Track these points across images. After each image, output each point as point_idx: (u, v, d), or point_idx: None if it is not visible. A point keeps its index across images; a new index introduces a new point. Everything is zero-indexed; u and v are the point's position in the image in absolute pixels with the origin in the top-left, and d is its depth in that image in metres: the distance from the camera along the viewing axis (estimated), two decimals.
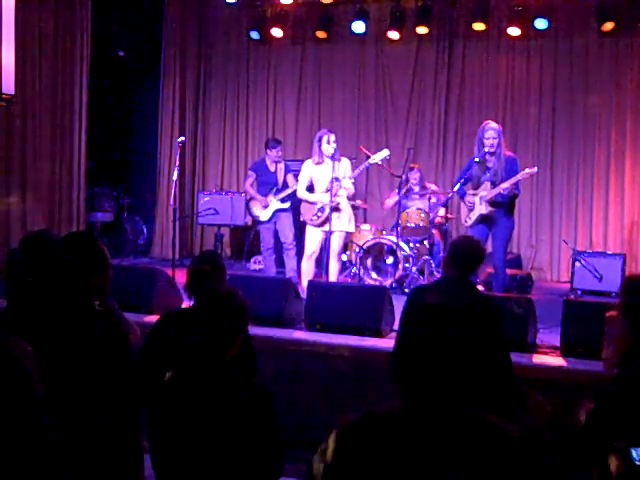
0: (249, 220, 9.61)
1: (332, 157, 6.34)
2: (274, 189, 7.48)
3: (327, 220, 6.41)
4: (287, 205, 7.47)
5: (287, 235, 7.44)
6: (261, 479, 2.35)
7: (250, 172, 7.89)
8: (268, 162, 7.64)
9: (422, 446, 1.60)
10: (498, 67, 9.17)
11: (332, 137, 6.49)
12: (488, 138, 6.08)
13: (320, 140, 6.52)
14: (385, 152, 6.66)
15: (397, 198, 7.69)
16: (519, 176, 6.07)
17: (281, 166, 7.62)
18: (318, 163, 6.56)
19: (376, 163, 6.65)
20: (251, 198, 7.80)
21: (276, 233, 7.58)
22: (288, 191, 7.38)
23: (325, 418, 4.52)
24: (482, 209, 6.15)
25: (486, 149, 6.10)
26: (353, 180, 6.47)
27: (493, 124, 6.18)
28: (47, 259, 2.51)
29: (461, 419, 1.63)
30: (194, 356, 2.37)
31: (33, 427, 1.78)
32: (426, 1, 8.98)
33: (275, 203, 7.47)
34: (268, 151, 7.65)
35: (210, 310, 2.42)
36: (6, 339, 1.86)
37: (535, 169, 6.16)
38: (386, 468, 1.59)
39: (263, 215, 7.54)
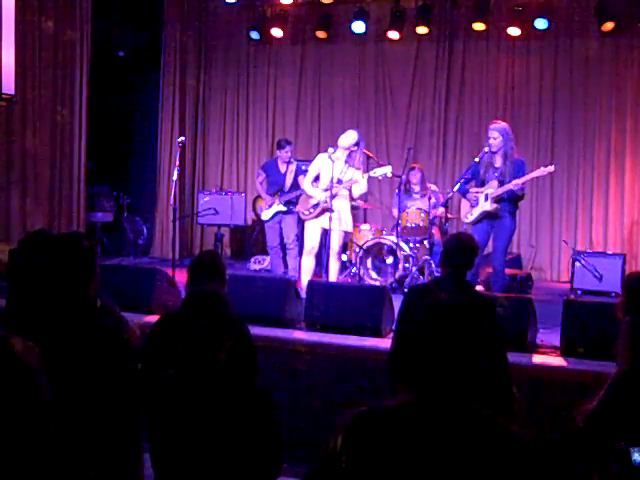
0: (252, 218, 9.63)
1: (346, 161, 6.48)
2: (280, 191, 7.52)
3: (320, 216, 6.51)
4: (288, 209, 7.47)
5: (289, 235, 7.49)
6: (259, 479, 2.35)
7: (260, 171, 7.97)
8: (279, 162, 7.66)
9: (430, 440, 1.62)
10: (498, 67, 9.17)
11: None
12: (489, 138, 6.14)
13: (360, 146, 6.61)
14: (387, 169, 6.64)
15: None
16: (535, 173, 6.09)
17: (292, 167, 7.59)
18: (336, 159, 6.40)
19: (376, 177, 6.71)
20: (258, 196, 7.84)
21: (281, 232, 7.62)
22: (295, 194, 7.36)
23: (324, 418, 4.52)
24: (486, 206, 6.13)
25: (485, 149, 6.16)
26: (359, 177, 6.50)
27: (496, 124, 6.21)
28: (46, 259, 2.51)
29: (469, 416, 1.65)
30: (188, 357, 2.36)
31: (42, 428, 1.77)
32: (426, 1, 8.98)
33: (278, 206, 7.51)
34: (277, 151, 7.70)
35: (192, 313, 2.38)
36: (11, 338, 1.86)
37: (552, 168, 6.16)
38: (394, 461, 1.61)
39: (265, 214, 7.63)
